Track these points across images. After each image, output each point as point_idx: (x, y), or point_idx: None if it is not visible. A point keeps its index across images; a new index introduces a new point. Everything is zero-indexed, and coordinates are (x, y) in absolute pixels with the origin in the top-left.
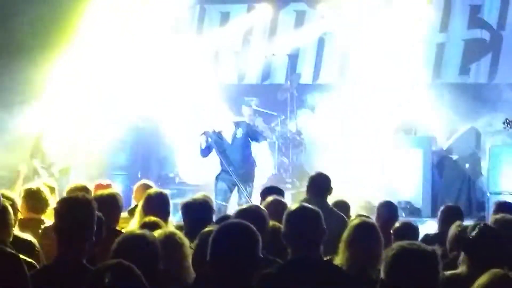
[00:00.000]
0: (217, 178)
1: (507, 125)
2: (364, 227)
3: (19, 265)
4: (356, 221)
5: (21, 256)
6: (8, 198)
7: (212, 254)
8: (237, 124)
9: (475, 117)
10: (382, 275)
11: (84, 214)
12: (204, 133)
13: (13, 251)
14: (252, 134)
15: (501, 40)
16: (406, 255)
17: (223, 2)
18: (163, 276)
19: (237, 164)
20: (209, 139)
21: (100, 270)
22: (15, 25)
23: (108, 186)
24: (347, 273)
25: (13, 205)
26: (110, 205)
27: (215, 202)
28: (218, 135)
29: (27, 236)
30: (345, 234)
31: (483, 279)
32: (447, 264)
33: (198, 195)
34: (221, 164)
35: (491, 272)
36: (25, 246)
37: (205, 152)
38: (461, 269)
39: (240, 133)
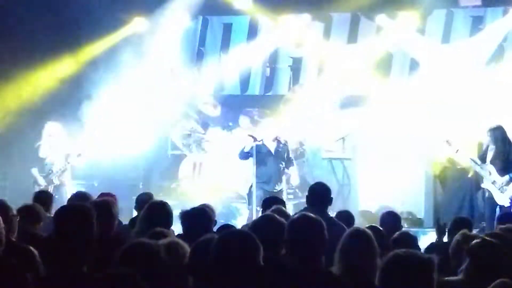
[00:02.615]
0: (251, 186)
1: (447, 143)
2: (356, 236)
3: (22, 277)
4: (349, 231)
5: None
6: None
7: (214, 262)
8: (282, 141)
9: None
10: (377, 283)
11: (82, 222)
12: (253, 137)
13: (16, 262)
14: (288, 156)
15: (503, 51)
16: (401, 263)
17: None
18: (165, 285)
19: (275, 175)
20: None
21: (104, 279)
22: None
23: (112, 197)
24: (347, 284)
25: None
26: (103, 211)
27: (255, 209)
28: (262, 144)
29: (27, 246)
30: (339, 244)
31: None
32: (449, 272)
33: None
34: (257, 173)
35: (498, 281)
36: (25, 255)
37: (246, 155)
38: (461, 276)
39: (281, 148)
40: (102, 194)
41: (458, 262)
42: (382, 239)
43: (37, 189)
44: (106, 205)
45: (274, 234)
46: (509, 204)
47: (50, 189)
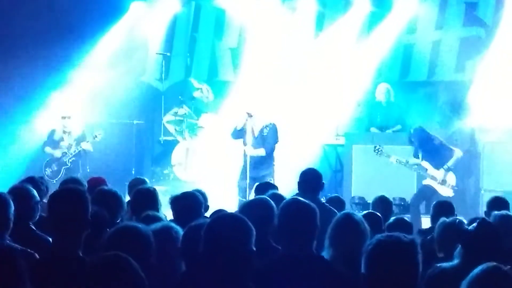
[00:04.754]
0: (239, 174)
1: (377, 152)
2: (346, 221)
3: (14, 259)
4: (339, 215)
5: (21, 248)
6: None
7: (205, 246)
8: (267, 124)
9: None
10: (362, 269)
11: (77, 204)
12: (248, 114)
13: (10, 245)
14: (271, 137)
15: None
16: (384, 247)
17: None
18: (157, 269)
19: (257, 158)
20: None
21: (96, 262)
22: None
23: (103, 181)
24: (338, 270)
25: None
26: (113, 200)
27: (238, 198)
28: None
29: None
30: (329, 230)
31: (476, 270)
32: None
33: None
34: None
35: (484, 264)
36: (42, 245)
37: (238, 134)
38: (456, 261)
39: (266, 132)
40: (92, 179)
41: (449, 247)
42: (378, 225)
43: (53, 166)
44: (114, 193)
45: (262, 217)
46: (453, 194)
47: (62, 171)
